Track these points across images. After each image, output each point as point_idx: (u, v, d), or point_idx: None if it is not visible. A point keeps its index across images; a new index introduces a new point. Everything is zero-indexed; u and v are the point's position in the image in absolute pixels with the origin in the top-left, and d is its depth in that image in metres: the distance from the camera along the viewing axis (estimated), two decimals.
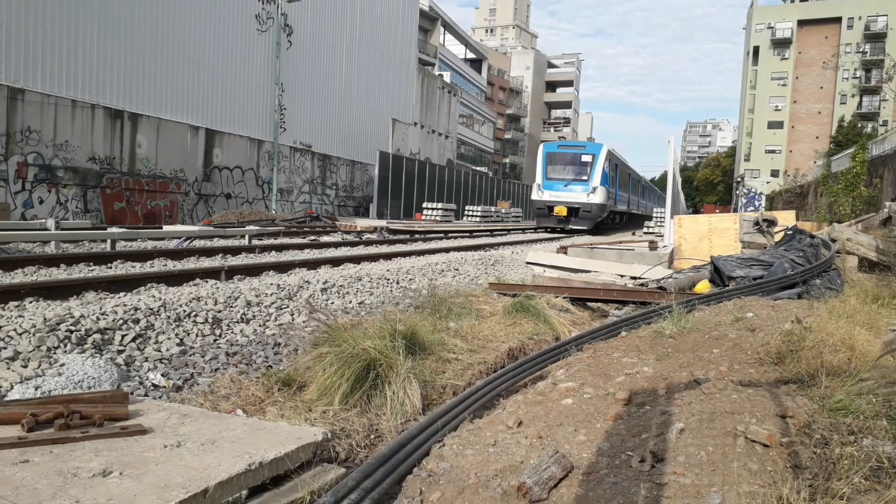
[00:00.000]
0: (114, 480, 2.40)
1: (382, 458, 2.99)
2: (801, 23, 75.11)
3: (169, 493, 2.32)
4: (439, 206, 31.53)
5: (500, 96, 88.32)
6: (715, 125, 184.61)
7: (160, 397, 3.97)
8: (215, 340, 5.24)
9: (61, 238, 10.79)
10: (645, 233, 26.32)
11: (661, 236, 19.86)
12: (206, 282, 7.31)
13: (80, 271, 8.14)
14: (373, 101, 35.15)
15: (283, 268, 9.00)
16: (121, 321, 4.85)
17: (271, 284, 6.99)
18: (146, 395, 3.96)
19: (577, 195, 25.61)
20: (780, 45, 76.42)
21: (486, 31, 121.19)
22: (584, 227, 25.58)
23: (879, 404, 3.21)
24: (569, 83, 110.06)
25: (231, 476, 2.53)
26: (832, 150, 50.13)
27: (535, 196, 26.76)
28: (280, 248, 12.40)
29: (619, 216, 34.47)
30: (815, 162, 54.63)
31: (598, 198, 25.60)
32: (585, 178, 25.90)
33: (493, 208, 36.01)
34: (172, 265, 9.27)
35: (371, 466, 2.87)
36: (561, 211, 25.60)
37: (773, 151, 76.53)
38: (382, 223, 23.73)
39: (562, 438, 3.38)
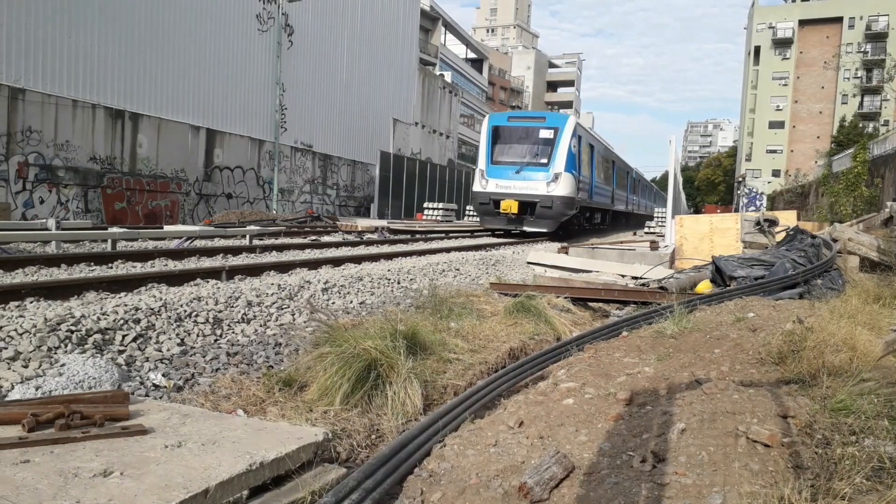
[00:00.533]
0: (114, 480, 2.40)
1: (383, 458, 2.98)
2: (802, 22, 75.10)
3: (170, 494, 2.31)
4: (440, 205, 31.51)
5: (501, 96, 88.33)
6: (716, 125, 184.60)
7: (161, 397, 3.96)
8: (216, 340, 5.24)
9: (62, 238, 10.79)
10: (646, 233, 26.27)
11: (663, 236, 19.87)
12: (207, 282, 7.31)
13: (81, 271, 8.14)
14: (374, 100, 35.15)
15: (284, 268, 8.99)
16: (121, 321, 4.85)
17: (272, 284, 6.99)
18: (147, 395, 3.96)
19: (534, 184, 19.17)
20: (781, 44, 76.40)
21: (487, 30, 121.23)
22: (544, 230, 19.51)
23: (881, 404, 3.20)
24: (570, 83, 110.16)
25: (232, 476, 2.53)
26: (833, 149, 50.13)
27: (476, 186, 20.17)
28: (281, 248, 12.40)
29: (598, 214, 27.55)
30: (816, 162, 54.66)
31: (563, 188, 19.13)
32: (545, 161, 19.38)
33: None
34: (173, 265, 9.27)
35: (372, 466, 2.87)
36: (510, 206, 19.05)
37: (774, 151, 76.52)
38: (383, 223, 23.73)
39: (563, 438, 3.38)
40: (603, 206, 27.28)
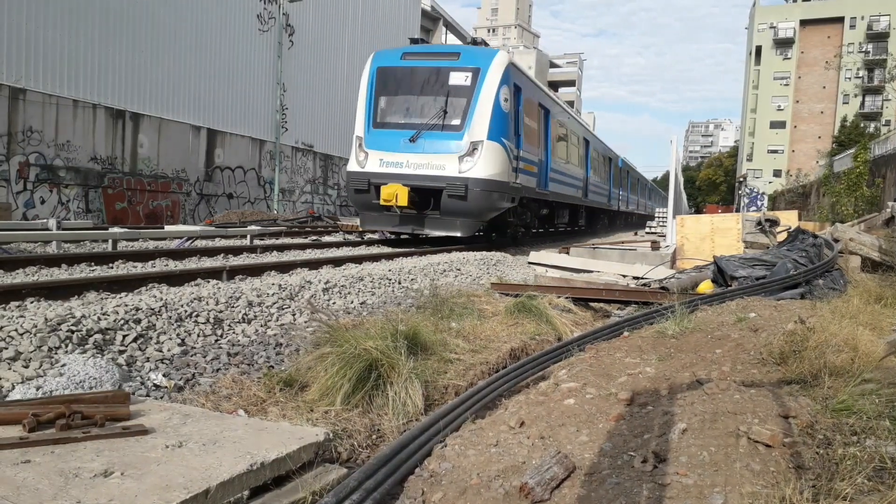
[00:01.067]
0: (115, 481, 2.39)
1: (384, 458, 2.98)
2: (804, 22, 75.10)
3: (170, 494, 2.31)
4: None
5: None
6: (717, 125, 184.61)
7: (161, 398, 3.96)
8: (217, 340, 5.23)
9: (63, 238, 10.79)
10: (647, 233, 26.23)
11: (664, 236, 19.86)
12: (208, 282, 7.31)
13: (82, 271, 8.14)
14: None
15: (284, 268, 8.99)
16: (122, 321, 4.85)
17: (273, 284, 6.98)
18: (147, 395, 3.96)
19: (438, 160, 12.51)
20: (783, 44, 76.41)
21: (489, 31, 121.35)
22: (458, 233, 12.96)
23: (882, 405, 3.20)
24: (571, 83, 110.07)
25: (233, 476, 2.53)
26: (834, 149, 50.11)
27: (351, 164, 13.43)
28: (282, 248, 12.40)
29: (565, 212, 20.56)
30: (817, 162, 54.66)
31: (486, 166, 12.47)
32: (457, 122, 12.68)
33: None
34: (174, 265, 9.27)
35: (373, 467, 2.87)
36: (394, 195, 12.21)
37: (775, 151, 76.52)
38: None
39: (564, 439, 3.37)
40: (569, 201, 19.84)
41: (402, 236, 14.88)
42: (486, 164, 12.49)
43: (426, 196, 12.71)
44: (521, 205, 15.02)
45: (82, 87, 18.77)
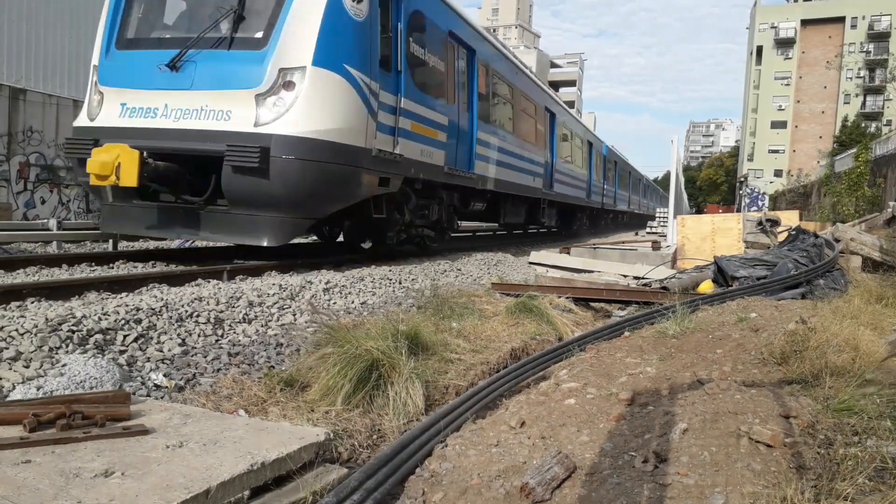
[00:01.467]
0: (116, 481, 2.39)
1: (385, 458, 2.98)
2: (805, 22, 75.08)
3: (171, 494, 2.31)
4: None
5: None
6: (718, 125, 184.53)
7: (162, 398, 3.96)
8: (217, 340, 5.23)
9: (63, 238, 10.80)
10: (648, 233, 26.26)
11: (664, 236, 19.86)
12: (209, 282, 7.30)
13: (82, 271, 8.14)
14: None
15: (285, 268, 8.99)
16: (123, 321, 4.85)
17: (273, 284, 6.98)
18: (148, 395, 3.96)
19: (219, 100, 7.08)
20: (784, 44, 76.39)
21: (489, 30, 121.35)
22: (263, 240, 7.70)
23: (884, 405, 3.20)
24: (572, 83, 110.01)
25: (233, 476, 2.53)
26: (836, 149, 50.07)
27: (80, 118, 8.09)
28: (282, 248, 12.37)
29: (519, 206, 15.34)
30: (818, 162, 54.60)
31: (312, 112, 7.10)
32: (258, 32, 7.27)
33: None
34: (174, 265, 9.26)
35: (373, 467, 2.87)
36: (117, 162, 6.75)
37: (776, 151, 76.50)
38: None
39: (564, 439, 3.37)
40: (521, 192, 14.62)
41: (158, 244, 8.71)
42: (310, 107, 7.17)
43: (203, 171, 7.46)
44: (420, 193, 9.86)
45: (82, 88, 18.79)
